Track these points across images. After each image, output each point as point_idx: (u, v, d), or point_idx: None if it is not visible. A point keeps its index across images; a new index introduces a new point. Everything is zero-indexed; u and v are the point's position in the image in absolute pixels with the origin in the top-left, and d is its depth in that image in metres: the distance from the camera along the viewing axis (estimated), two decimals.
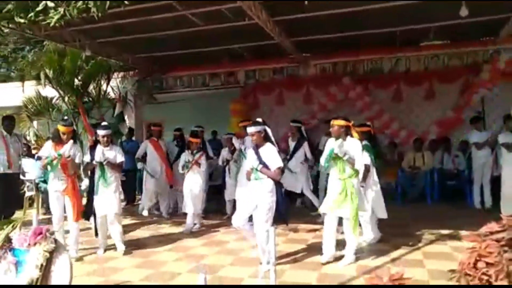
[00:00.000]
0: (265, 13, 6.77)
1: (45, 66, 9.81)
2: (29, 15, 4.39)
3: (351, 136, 4.50)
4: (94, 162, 5.18)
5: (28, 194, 8.24)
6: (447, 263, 4.25)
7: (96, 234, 5.40)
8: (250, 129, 4.44)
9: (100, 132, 5.24)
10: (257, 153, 4.41)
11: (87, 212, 5.35)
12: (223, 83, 10.67)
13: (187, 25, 7.60)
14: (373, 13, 6.93)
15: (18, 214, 7.73)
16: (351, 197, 4.29)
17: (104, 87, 10.57)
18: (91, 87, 10.39)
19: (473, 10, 6.55)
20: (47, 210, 8.16)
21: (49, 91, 10.47)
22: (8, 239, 2.58)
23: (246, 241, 5.51)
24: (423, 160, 8.24)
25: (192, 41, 8.58)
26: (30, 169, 8.18)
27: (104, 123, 5.42)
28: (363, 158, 4.88)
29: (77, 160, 5.15)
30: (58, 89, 10.18)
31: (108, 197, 5.18)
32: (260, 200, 4.30)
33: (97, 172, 5.21)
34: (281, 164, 4.35)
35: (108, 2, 4.06)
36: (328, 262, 4.43)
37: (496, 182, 6.65)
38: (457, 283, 2.30)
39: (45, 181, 8.10)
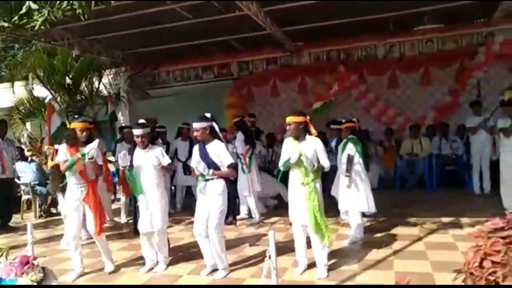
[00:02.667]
0: (255, 3, 6.65)
1: (35, 66, 9.66)
2: (13, 19, 4.26)
3: (310, 133, 4.00)
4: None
5: (24, 197, 8.19)
6: (450, 253, 4.25)
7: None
8: (195, 125, 4.14)
9: (135, 132, 4.42)
10: (203, 150, 4.14)
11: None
12: (216, 76, 10.54)
13: (177, 19, 7.46)
14: None
15: (15, 218, 7.71)
16: (313, 201, 3.84)
17: (96, 84, 10.44)
18: (83, 85, 10.26)
19: None
20: (44, 213, 8.12)
21: (41, 91, 10.32)
22: None
23: (244, 238, 5.49)
24: (421, 147, 8.18)
25: (183, 34, 8.44)
26: (24, 172, 8.14)
27: (141, 120, 4.61)
28: (347, 152, 4.77)
29: (99, 162, 4.52)
30: (50, 89, 10.03)
31: (151, 209, 4.40)
32: (211, 203, 4.11)
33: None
34: (232, 161, 4.13)
35: (93, 2, 3.94)
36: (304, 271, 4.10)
37: (495, 167, 6.60)
38: (463, 283, 2.25)
39: (40, 184, 8.09)
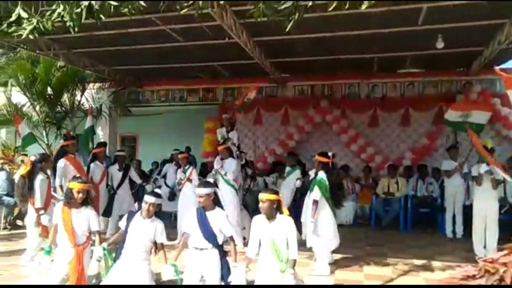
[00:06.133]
0: (246, 33, 6.76)
1: (17, 73, 9.47)
2: (1, 27, 4.21)
3: (281, 212, 3.74)
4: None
5: None
6: None
7: None
8: (200, 191, 3.90)
9: (147, 199, 3.97)
10: (203, 217, 3.88)
11: None
12: (201, 99, 10.57)
13: (166, 40, 7.50)
14: (352, 38, 7.02)
15: None
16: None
17: (78, 97, 10.30)
18: (64, 96, 10.10)
19: (448, 42, 6.74)
20: (9, 225, 7.78)
21: (19, 97, 10.10)
22: None
23: None
24: (397, 186, 8.26)
25: (171, 55, 8.48)
26: None
27: (156, 190, 4.32)
28: (312, 197, 4.93)
29: (93, 229, 4.08)
30: (30, 98, 9.84)
31: (133, 271, 3.95)
32: (207, 275, 3.84)
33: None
34: (232, 233, 3.93)
35: (84, 15, 3.91)
36: None
37: (468, 212, 6.71)
38: None
39: (8, 194, 7.77)
